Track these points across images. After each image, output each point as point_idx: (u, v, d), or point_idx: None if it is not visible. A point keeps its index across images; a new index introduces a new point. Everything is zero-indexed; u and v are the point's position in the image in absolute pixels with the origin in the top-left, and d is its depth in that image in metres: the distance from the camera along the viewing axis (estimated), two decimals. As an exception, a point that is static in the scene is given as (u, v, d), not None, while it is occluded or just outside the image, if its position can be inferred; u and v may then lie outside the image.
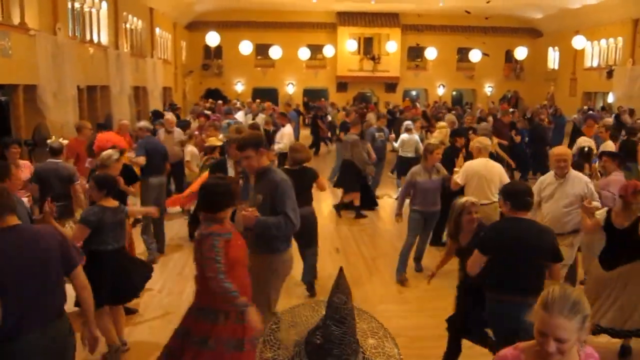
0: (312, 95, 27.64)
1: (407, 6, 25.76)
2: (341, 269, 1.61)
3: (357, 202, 9.84)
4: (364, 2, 24.77)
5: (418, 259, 7.03)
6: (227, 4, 25.61)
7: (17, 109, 10.88)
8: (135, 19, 18.48)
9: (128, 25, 17.90)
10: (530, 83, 28.42)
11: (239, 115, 15.14)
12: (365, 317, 1.67)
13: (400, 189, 8.92)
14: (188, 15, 25.77)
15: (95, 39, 15.17)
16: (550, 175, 5.52)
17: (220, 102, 19.00)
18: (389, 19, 27.72)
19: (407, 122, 11.59)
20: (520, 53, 24.02)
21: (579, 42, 20.66)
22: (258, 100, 20.19)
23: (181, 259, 7.31)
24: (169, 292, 6.25)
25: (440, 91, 28.57)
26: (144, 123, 8.92)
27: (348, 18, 27.65)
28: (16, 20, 10.93)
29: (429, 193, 6.63)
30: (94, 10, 15.16)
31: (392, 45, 26.38)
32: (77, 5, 14.06)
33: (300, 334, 1.62)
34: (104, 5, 15.59)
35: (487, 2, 19.07)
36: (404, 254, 6.69)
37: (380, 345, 1.61)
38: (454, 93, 30.19)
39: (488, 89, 28.86)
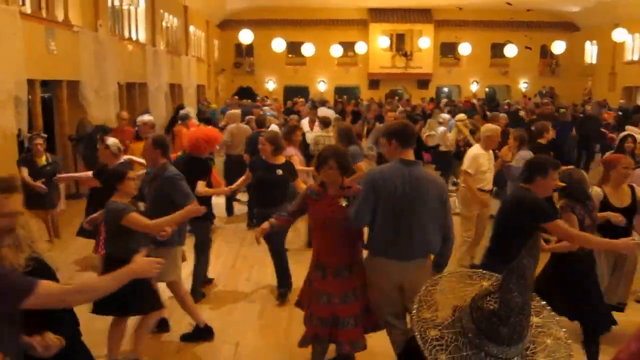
0: (343, 93, 27.49)
1: (440, 1, 25.45)
2: (536, 234, 1.48)
3: None
4: (396, -2, 24.57)
5: None
6: (258, 3, 25.64)
7: (60, 104, 10.98)
8: (170, 16, 18.58)
9: (164, 23, 18.00)
10: (566, 79, 27.80)
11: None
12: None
13: None
14: (220, 14, 25.88)
15: (134, 37, 15.28)
16: None
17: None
18: (422, 14, 27.44)
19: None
20: (558, 47, 23.48)
21: (619, 35, 20.12)
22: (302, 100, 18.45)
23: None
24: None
25: (474, 87, 28.15)
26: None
27: (380, 14, 27.43)
28: (60, 16, 11.04)
29: None
30: (132, 8, 15.26)
31: (424, 42, 26.07)
32: (116, 2, 14.17)
33: (458, 300, 1.50)
34: (142, 2, 15.69)
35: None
36: None
37: (546, 324, 1.48)
38: (487, 89, 29.73)
39: (523, 85, 28.34)
